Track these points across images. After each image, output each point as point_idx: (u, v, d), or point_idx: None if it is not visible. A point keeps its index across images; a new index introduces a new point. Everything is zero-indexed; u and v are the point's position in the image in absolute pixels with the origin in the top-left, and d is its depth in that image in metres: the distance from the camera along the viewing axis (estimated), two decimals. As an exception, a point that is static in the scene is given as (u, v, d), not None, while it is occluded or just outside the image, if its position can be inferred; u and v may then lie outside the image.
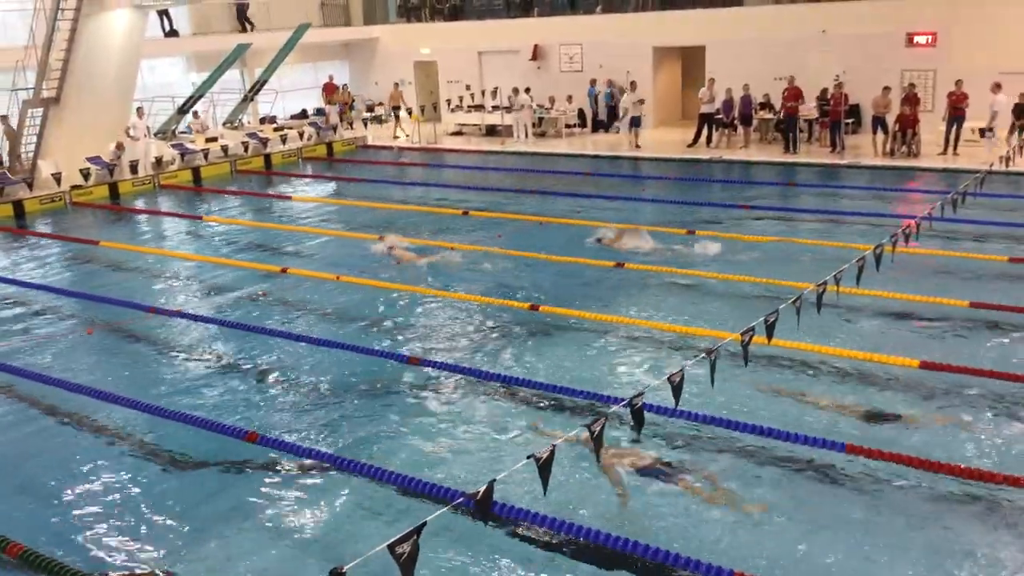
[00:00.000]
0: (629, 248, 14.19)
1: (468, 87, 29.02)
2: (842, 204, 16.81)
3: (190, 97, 26.09)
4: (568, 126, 26.76)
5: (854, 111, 22.70)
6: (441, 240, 15.32)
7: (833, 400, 8.73)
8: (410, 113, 28.36)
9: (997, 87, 19.53)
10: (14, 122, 21.49)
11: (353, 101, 29.96)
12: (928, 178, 18.66)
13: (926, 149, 20.31)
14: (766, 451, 7.79)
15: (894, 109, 20.55)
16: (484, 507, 4.98)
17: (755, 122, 23.07)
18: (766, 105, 23.06)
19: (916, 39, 22.22)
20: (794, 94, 21.62)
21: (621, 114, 24.42)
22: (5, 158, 21.88)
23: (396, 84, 29.20)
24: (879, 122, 20.67)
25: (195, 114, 26.60)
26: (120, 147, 21.75)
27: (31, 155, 21.28)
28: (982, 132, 19.94)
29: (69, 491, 7.88)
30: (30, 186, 20.74)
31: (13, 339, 11.87)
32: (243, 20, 28.88)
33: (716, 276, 12.50)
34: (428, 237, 15.68)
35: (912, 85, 20.69)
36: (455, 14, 31.11)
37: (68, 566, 6.54)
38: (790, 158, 21.30)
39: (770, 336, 7.74)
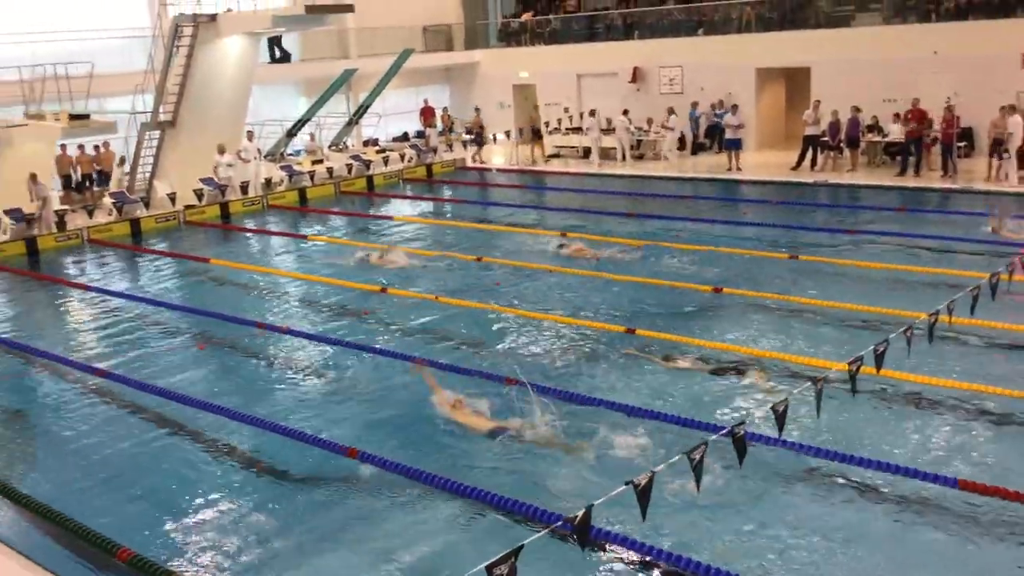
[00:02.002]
0: (589, 256, 15.55)
1: (567, 109, 29.12)
2: (954, 230, 16.16)
3: (298, 120, 26.95)
4: (667, 149, 26.56)
5: (966, 134, 21.90)
6: (536, 263, 15.42)
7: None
8: (541, 133, 28.59)
9: (1012, 109, 19.36)
10: (132, 143, 22.45)
11: (453, 124, 30.37)
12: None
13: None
14: (875, 485, 7.54)
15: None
16: (582, 532, 4.94)
17: (862, 145, 22.48)
18: (874, 127, 22.46)
19: (1033, 59, 21.35)
20: (918, 116, 20.96)
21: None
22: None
23: (536, 106, 29.40)
24: (997, 145, 19.87)
25: (311, 136, 27.42)
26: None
27: (148, 176, 22.28)
28: (996, 152, 19.58)
29: (177, 500, 8.15)
30: (147, 205, 21.74)
31: (130, 353, 12.36)
32: (275, 50, 28.04)
33: (821, 303, 12.18)
34: (525, 259, 15.78)
35: (1030, 107, 19.89)
36: (555, 38, 31.36)
37: (175, 572, 6.77)
38: (899, 182, 20.66)
39: (879, 366, 7.51)
